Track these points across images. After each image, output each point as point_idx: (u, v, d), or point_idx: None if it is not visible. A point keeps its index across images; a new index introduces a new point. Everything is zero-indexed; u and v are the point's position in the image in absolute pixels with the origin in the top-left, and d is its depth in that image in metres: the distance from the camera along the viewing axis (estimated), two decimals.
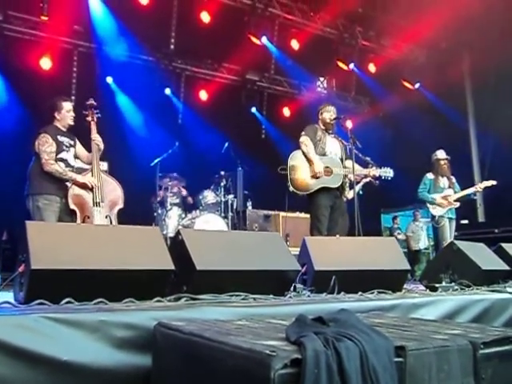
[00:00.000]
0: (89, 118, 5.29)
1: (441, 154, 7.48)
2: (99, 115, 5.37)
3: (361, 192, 6.75)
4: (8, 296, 2.78)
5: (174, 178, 8.31)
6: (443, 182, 7.39)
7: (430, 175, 7.44)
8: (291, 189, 5.64)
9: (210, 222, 7.52)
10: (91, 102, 5.38)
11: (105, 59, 9.46)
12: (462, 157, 7.66)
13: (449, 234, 7.21)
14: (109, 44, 9.36)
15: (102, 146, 5.23)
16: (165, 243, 3.05)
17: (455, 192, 7.35)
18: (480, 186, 7.34)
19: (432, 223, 7.45)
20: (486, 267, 4.27)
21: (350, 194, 6.00)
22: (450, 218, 7.29)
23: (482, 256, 4.52)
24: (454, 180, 7.48)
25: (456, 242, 4.66)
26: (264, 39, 10.66)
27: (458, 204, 7.31)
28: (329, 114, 5.86)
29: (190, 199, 8.41)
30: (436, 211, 7.26)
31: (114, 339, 2.09)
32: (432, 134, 10.30)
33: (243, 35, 10.37)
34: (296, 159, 5.69)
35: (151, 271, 2.76)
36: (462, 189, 7.42)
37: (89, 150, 5.22)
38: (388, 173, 5.96)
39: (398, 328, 1.90)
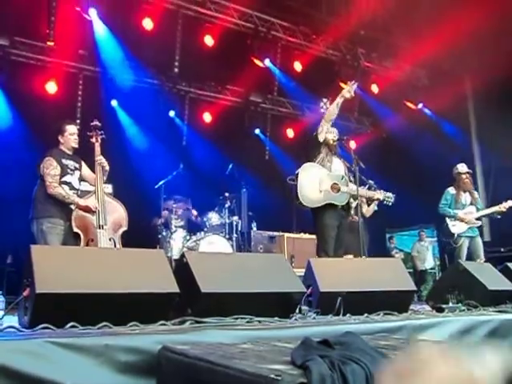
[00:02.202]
0: (93, 140, 5.32)
1: (462, 167, 7.14)
2: (103, 136, 5.39)
3: (376, 208, 6.72)
4: (13, 320, 2.78)
5: (179, 200, 8.33)
6: (465, 197, 7.06)
7: (451, 190, 7.09)
8: (298, 199, 5.55)
9: (215, 243, 7.50)
10: (95, 123, 5.41)
11: (110, 83, 9.55)
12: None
13: (465, 253, 6.85)
14: (113, 68, 9.46)
15: (107, 168, 5.25)
16: (169, 266, 3.04)
17: (477, 209, 7.04)
18: (504, 205, 6.97)
19: (449, 241, 6.98)
20: (492, 287, 4.24)
21: (368, 212, 5.95)
22: (471, 237, 6.94)
23: (489, 276, 4.49)
24: (476, 195, 7.16)
25: (462, 261, 4.63)
26: (267, 61, 10.75)
27: (479, 222, 6.99)
28: (332, 135, 5.84)
29: (199, 219, 8.42)
30: (455, 229, 6.89)
31: (118, 363, 2.07)
32: (435, 154, 10.31)
33: (246, 58, 10.47)
34: (306, 171, 5.62)
35: (156, 294, 2.76)
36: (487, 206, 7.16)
37: (94, 171, 5.25)
38: (390, 198, 5.94)
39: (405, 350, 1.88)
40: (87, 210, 4.92)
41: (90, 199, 4.99)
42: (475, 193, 7.18)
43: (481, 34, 8.54)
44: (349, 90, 5.74)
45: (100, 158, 5.20)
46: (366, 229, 5.77)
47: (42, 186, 4.97)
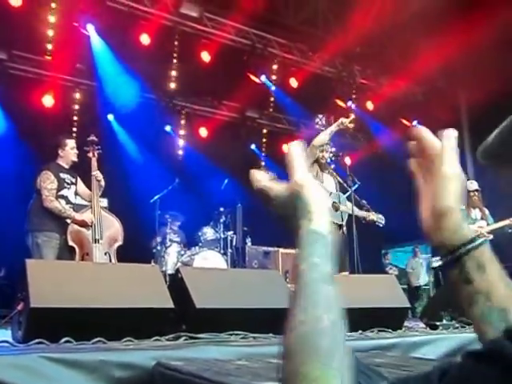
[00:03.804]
0: (90, 154, 5.38)
1: (470, 184, 7.26)
2: (100, 151, 5.45)
3: None
4: (6, 334, 2.77)
5: (174, 215, 8.32)
6: (475, 213, 7.16)
7: None
8: None
9: (210, 258, 7.48)
10: (92, 138, 5.47)
11: (106, 97, 9.58)
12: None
13: None
14: (110, 82, 9.50)
15: (102, 183, 5.29)
16: (164, 281, 3.05)
17: (488, 224, 7.08)
18: None
19: None
20: None
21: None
22: None
23: None
24: (486, 212, 7.23)
25: None
26: (263, 78, 10.83)
27: (491, 236, 7.07)
28: (327, 154, 5.82)
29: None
30: None
31: (112, 379, 2.07)
32: None
33: (243, 74, 10.54)
34: None
35: (150, 310, 2.76)
36: (496, 221, 7.14)
37: (90, 185, 5.27)
38: (381, 220, 5.97)
39: (399, 368, 1.89)
40: (83, 224, 4.93)
41: (86, 213, 5.00)
42: (485, 209, 7.27)
43: (475, 52, 8.64)
44: (346, 122, 5.69)
45: (96, 173, 5.24)
46: (348, 244, 5.77)
47: (37, 199, 4.98)
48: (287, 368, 0.66)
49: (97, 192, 5.15)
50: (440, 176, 0.87)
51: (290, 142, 0.89)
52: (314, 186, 0.83)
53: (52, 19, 8.52)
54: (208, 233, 8.18)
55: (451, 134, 0.93)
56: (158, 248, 7.93)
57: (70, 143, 5.31)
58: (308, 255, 0.74)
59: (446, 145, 0.91)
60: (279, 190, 0.86)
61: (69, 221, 4.95)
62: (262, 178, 0.90)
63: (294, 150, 0.88)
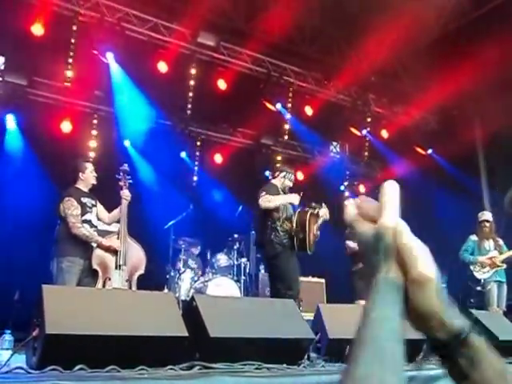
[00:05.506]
0: (121, 183, 5.49)
1: (481, 215, 7.33)
2: (131, 181, 5.57)
3: None
4: (20, 359, 2.77)
5: (188, 242, 8.33)
6: (488, 244, 7.18)
7: (473, 237, 7.24)
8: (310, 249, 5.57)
9: (223, 285, 7.46)
10: (125, 167, 5.62)
11: (123, 123, 9.69)
12: (476, 223, 7.59)
13: (496, 298, 6.90)
14: (127, 108, 9.62)
15: (129, 199, 5.42)
16: (178, 309, 3.05)
17: (501, 253, 7.10)
18: None
19: (477, 287, 7.06)
20: (503, 337, 4.18)
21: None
22: (499, 282, 7.01)
23: (500, 326, 4.44)
24: (500, 242, 7.26)
25: (472, 311, 4.59)
26: (279, 105, 10.92)
27: (504, 265, 7.04)
28: (291, 182, 5.93)
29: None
30: (480, 274, 6.99)
31: None
32: (445, 200, 10.30)
33: (258, 101, 10.65)
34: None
35: (164, 338, 2.75)
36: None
37: (110, 208, 5.37)
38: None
39: None
40: (109, 249, 4.99)
41: (112, 239, 5.06)
42: (499, 239, 7.25)
43: (490, 80, 8.65)
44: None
45: (124, 192, 5.34)
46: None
47: (63, 226, 5.05)
48: None
49: (125, 219, 5.22)
50: (414, 280, 0.74)
51: (387, 181, 0.83)
52: (403, 232, 0.76)
53: (72, 47, 8.72)
54: (222, 259, 8.18)
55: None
56: (172, 274, 7.92)
57: (90, 166, 5.45)
58: (381, 304, 0.70)
59: (412, 244, 0.77)
60: (365, 228, 0.80)
61: (94, 245, 5.02)
62: (352, 212, 0.83)
63: (391, 190, 0.82)
